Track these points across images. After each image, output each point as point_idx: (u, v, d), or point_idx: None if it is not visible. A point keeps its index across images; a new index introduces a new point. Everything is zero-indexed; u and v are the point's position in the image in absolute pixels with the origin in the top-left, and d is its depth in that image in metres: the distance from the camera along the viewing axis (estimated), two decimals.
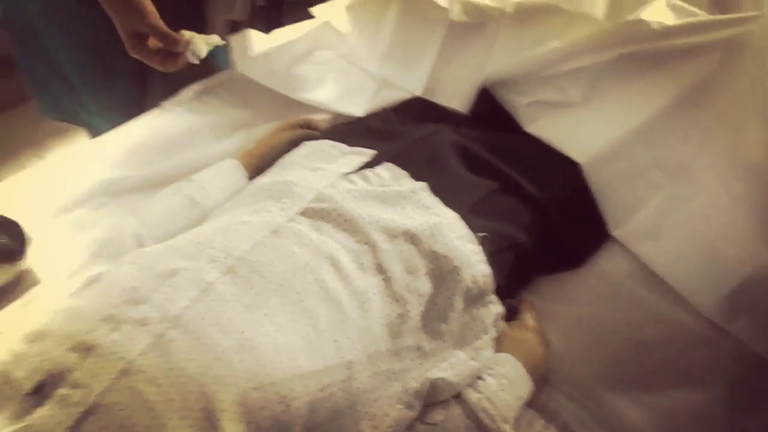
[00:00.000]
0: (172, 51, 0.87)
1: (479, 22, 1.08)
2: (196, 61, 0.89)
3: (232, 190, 0.97)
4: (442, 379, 0.74)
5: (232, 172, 0.99)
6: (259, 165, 1.01)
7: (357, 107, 1.16)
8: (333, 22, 1.27)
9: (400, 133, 0.98)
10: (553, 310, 0.89)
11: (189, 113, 1.19)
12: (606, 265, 0.96)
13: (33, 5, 1.10)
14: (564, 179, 0.99)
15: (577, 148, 1.00)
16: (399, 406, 0.72)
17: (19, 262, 0.91)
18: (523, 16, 1.06)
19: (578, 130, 1.02)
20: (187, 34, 0.87)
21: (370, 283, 0.74)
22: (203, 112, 1.20)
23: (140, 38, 0.85)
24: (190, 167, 1.06)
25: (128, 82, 1.28)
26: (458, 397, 0.75)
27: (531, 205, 0.92)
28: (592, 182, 0.99)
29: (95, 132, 1.43)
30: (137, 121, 1.17)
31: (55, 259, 0.94)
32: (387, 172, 0.86)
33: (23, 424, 0.58)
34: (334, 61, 1.27)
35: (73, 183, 1.05)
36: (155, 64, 0.88)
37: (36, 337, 0.65)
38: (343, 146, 0.91)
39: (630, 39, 0.96)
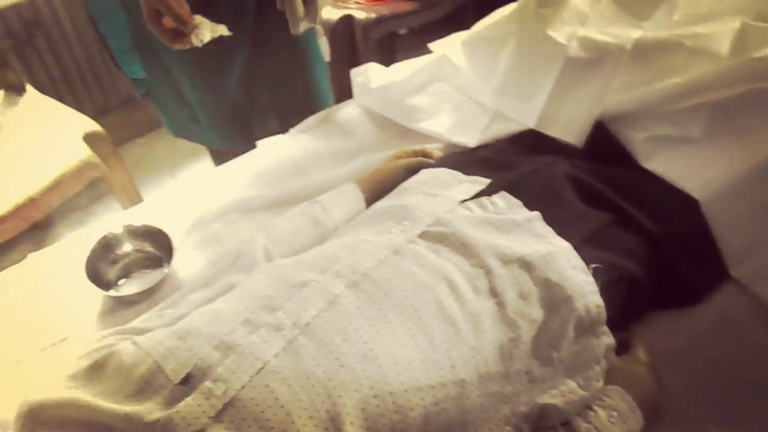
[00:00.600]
0: (181, 31, 0.98)
1: (597, 57, 1.09)
2: (199, 44, 1.00)
3: (352, 212, 1.03)
4: (552, 405, 0.75)
5: (351, 195, 1.05)
6: (376, 189, 1.07)
7: (470, 138, 1.20)
8: (450, 56, 1.33)
9: (514, 164, 1.01)
10: (667, 347, 0.88)
11: (313, 139, 1.28)
12: (723, 303, 0.94)
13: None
14: (681, 214, 0.98)
15: (695, 184, 0.99)
16: (507, 428, 0.74)
17: (164, 269, 1.02)
18: (643, 52, 1.06)
19: (697, 166, 1.01)
20: (198, 18, 0.98)
21: (484, 306, 0.77)
22: (325, 138, 1.28)
23: (158, 15, 0.96)
24: (312, 189, 1.15)
25: (235, 99, 1.40)
26: (566, 424, 0.76)
27: (646, 239, 0.92)
28: (711, 220, 0.97)
29: (212, 149, 1.56)
30: (266, 146, 1.28)
31: (195, 267, 1.04)
32: (502, 200, 0.89)
33: (174, 410, 0.65)
34: (449, 92, 1.32)
35: (211, 200, 1.16)
36: (166, 40, 0.99)
37: (185, 335, 0.74)
38: (460, 174, 0.95)
39: (756, 76, 0.94)
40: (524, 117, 1.17)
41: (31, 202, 1.30)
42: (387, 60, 1.40)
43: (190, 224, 1.11)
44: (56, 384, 0.76)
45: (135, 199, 1.59)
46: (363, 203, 1.05)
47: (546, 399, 0.76)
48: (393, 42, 2.44)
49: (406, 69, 1.38)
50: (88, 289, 0.97)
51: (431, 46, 1.42)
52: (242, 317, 0.73)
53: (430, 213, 0.85)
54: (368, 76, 1.36)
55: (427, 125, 1.26)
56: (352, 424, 0.65)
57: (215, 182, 1.22)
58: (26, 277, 1.07)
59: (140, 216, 1.12)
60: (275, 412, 0.64)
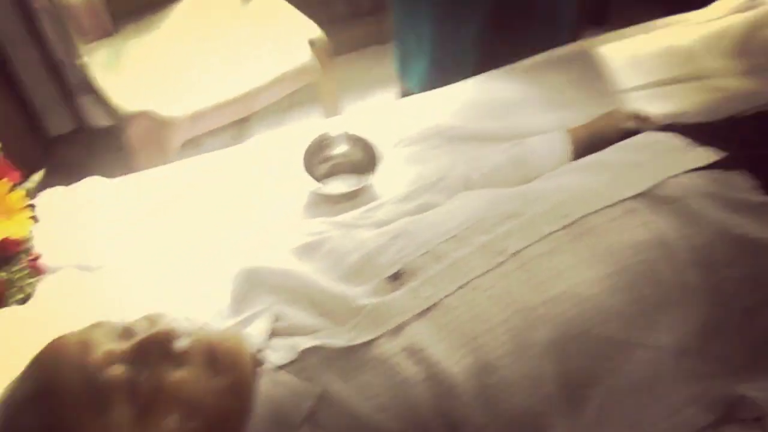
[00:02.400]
0: None
1: None
2: None
3: (557, 161, 1.01)
4: (750, 398, 0.71)
5: (560, 144, 1.03)
6: (586, 144, 1.04)
7: None
8: None
9: (757, 143, 0.93)
10: None
11: (526, 81, 1.26)
12: None
13: None
14: None
15: None
16: (693, 409, 0.72)
17: (368, 177, 1.07)
18: None
19: None
20: None
21: (696, 281, 0.74)
22: (539, 83, 1.26)
23: None
24: (516, 131, 1.14)
25: (472, 47, 1.41)
26: (760, 420, 0.72)
27: None
28: None
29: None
30: (479, 79, 1.28)
31: (395, 182, 1.08)
32: (738, 177, 0.83)
33: (381, 300, 0.70)
34: None
35: (416, 122, 1.19)
36: None
37: (398, 236, 0.78)
38: (692, 142, 0.90)
39: None
40: None
41: (255, 92, 1.41)
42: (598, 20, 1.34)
43: (395, 140, 1.15)
44: (272, 254, 0.84)
45: (336, 110, 1.67)
46: (570, 155, 1.03)
47: (745, 390, 0.72)
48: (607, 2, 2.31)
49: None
50: (300, 179, 1.05)
51: None
52: (454, 232, 0.76)
53: (659, 174, 0.81)
54: None
55: None
56: (545, 356, 0.67)
57: (421, 106, 1.25)
58: (245, 156, 1.17)
59: (342, 126, 1.16)
60: (474, 325, 0.67)
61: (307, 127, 1.26)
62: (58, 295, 0.95)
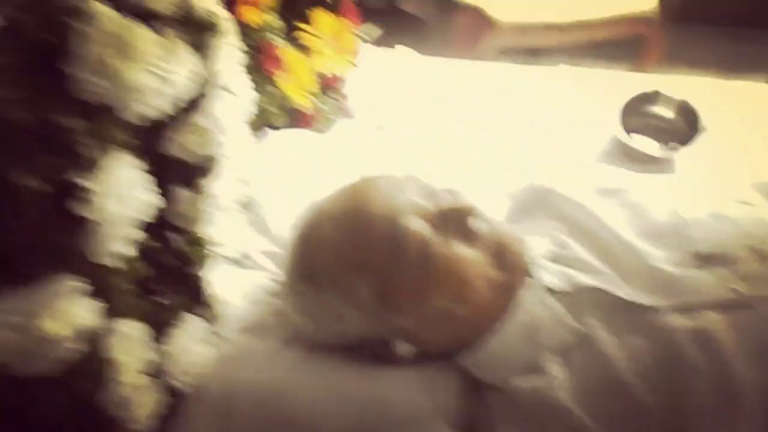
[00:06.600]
0: None
1: None
2: None
3: None
4: None
5: None
6: None
7: None
8: None
9: None
10: None
11: None
12: None
13: None
14: None
15: None
16: None
17: (678, 148, 0.97)
18: None
19: None
20: None
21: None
22: None
23: None
24: None
25: None
26: None
27: None
28: None
29: None
30: None
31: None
32: None
33: (684, 272, 0.64)
34: None
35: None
36: None
37: (716, 216, 0.70)
38: None
39: None
40: None
41: (588, 24, 1.32)
42: None
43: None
44: (570, 184, 0.80)
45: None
46: None
47: None
48: None
49: None
50: (607, 123, 0.99)
51: None
52: None
53: None
54: None
55: None
56: None
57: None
58: (553, 78, 1.13)
59: (674, 90, 1.04)
60: None
61: (629, 77, 1.17)
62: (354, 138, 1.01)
